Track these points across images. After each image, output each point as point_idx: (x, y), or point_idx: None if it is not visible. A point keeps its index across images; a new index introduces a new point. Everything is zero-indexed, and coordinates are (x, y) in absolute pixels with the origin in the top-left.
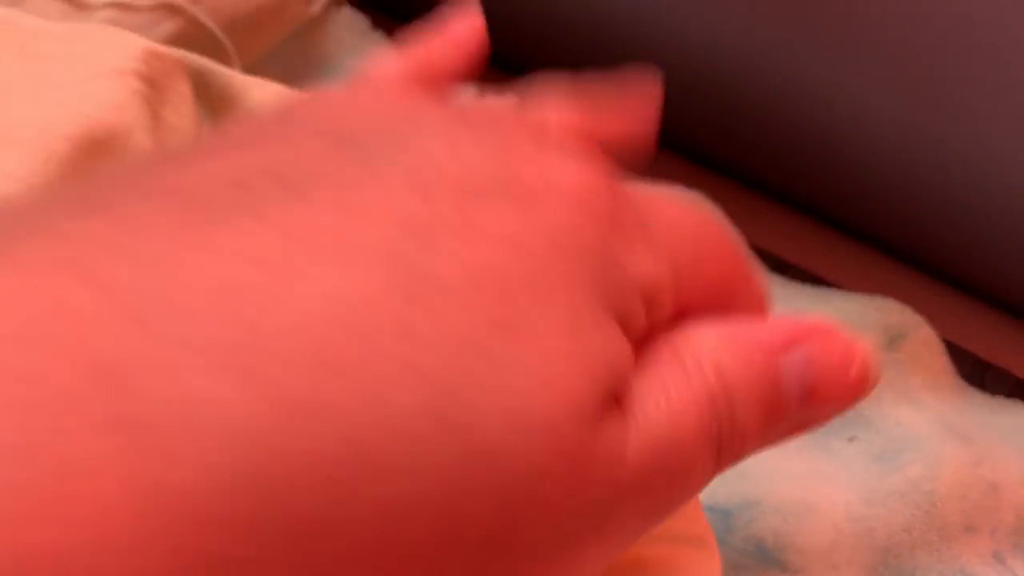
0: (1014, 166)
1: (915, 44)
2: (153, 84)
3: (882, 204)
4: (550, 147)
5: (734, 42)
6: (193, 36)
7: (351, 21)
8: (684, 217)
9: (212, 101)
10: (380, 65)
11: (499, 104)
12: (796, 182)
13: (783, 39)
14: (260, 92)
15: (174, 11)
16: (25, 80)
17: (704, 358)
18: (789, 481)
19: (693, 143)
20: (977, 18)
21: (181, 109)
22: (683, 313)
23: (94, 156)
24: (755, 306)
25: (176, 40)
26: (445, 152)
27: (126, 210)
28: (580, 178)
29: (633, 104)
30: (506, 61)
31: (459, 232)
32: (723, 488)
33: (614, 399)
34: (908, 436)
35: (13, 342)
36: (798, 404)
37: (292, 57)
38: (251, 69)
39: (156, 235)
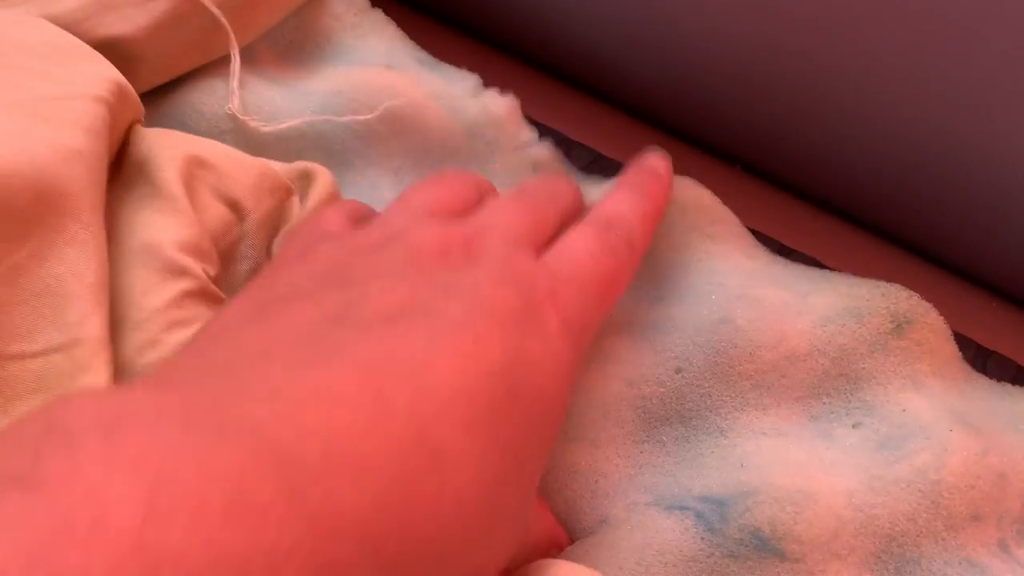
0: (1017, 153)
1: (919, 30)
2: (114, 118)
3: (884, 191)
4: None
5: (741, 28)
6: (189, 14)
7: None
8: None
9: (129, 152)
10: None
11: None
12: (797, 168)
13: (789, 26)
14: (168, 171)
15: None
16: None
17: None
18: (788, 470)
19: (697, 130)
20: (988, 6)
21: (113, 148)
22: None
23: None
24: None
25: (171, 18)
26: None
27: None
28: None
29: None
30: (517, 51)
31: None
32: (718, 478)
33: None
34: (914, 423)
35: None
36: None
37: (290, 35)
38: (250, 47)
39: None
